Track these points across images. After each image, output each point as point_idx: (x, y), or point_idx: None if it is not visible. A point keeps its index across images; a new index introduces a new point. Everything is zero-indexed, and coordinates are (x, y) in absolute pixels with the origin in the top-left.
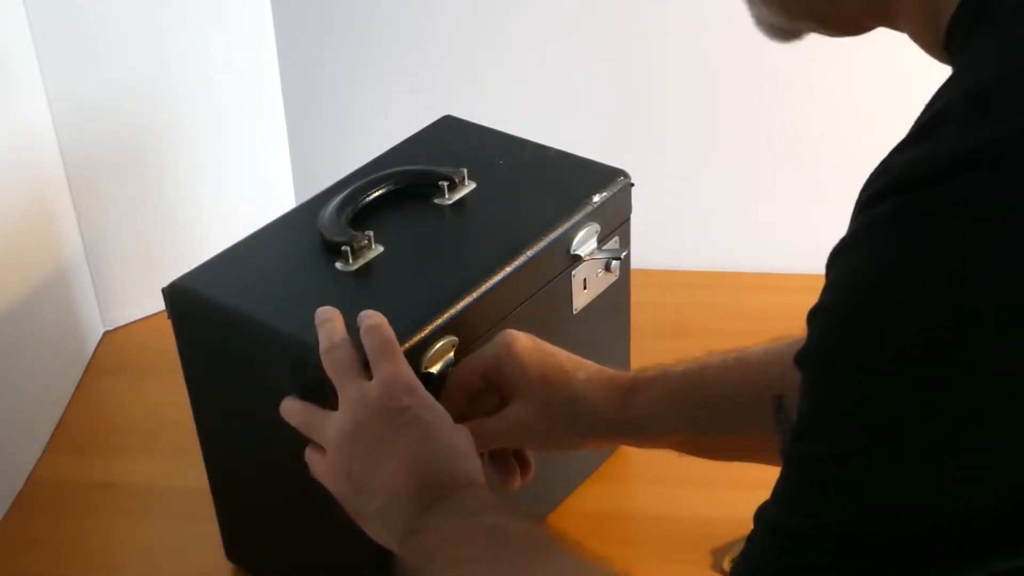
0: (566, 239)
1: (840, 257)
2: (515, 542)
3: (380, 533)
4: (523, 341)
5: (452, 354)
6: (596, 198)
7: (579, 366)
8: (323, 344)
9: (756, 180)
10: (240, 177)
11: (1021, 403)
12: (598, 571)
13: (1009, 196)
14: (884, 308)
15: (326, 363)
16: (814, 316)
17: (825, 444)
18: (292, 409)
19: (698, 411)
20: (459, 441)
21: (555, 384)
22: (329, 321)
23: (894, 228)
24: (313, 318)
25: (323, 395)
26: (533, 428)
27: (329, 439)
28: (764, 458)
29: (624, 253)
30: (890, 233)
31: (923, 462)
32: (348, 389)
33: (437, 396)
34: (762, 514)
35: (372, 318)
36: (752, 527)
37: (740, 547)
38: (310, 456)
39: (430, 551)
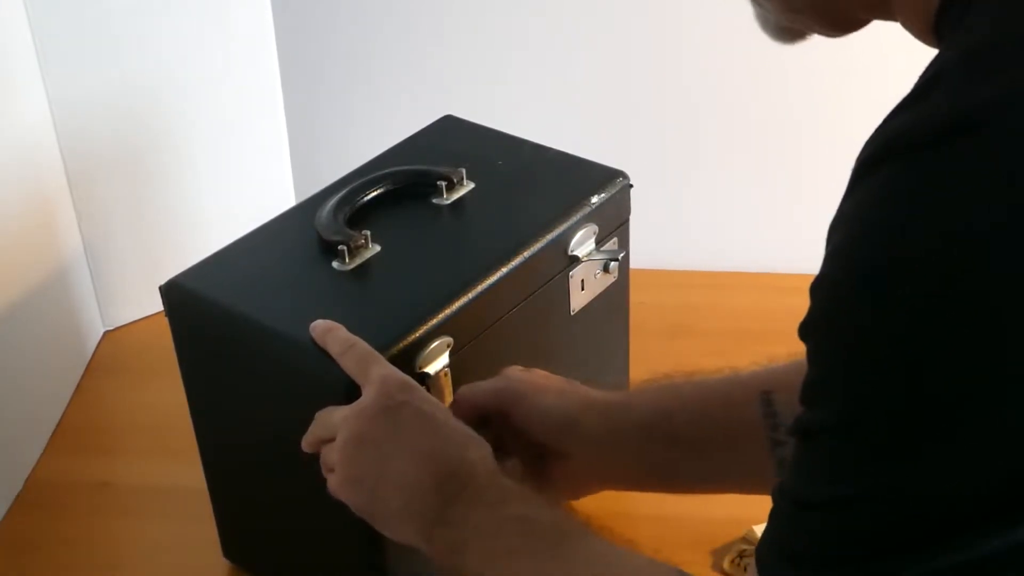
0: (564, 240)
1: (839, 227)
2: (545, 531)
3: (405, 532)
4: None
5: (447, 354)
6: (595, 199)
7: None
8: (336, 349)
9: (756, 180)
10: (240, 177)
11: None
12: (629, 556)
13: (1004, 157)
14: (884, 273)
15: (346, 364)
16: (816, 288)
17: (842, 406)
18: (306, 443)
19: (687, 399)
20: (462, 427)
21: (549, 375)
22: (332, 330)
23: (889, 197)
24: (310, 317)
25: (318, 393)
26: (523, 381)
27: (335, 456)
28: (748, 470)
29: (622, 254)
30: (885, 202)
31: (930, 427)
32: (336, 415)
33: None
34: (782, 490)
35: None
36: (772, 505)
37: (740, 547)
38: (327, 475)
39: (460, 544)
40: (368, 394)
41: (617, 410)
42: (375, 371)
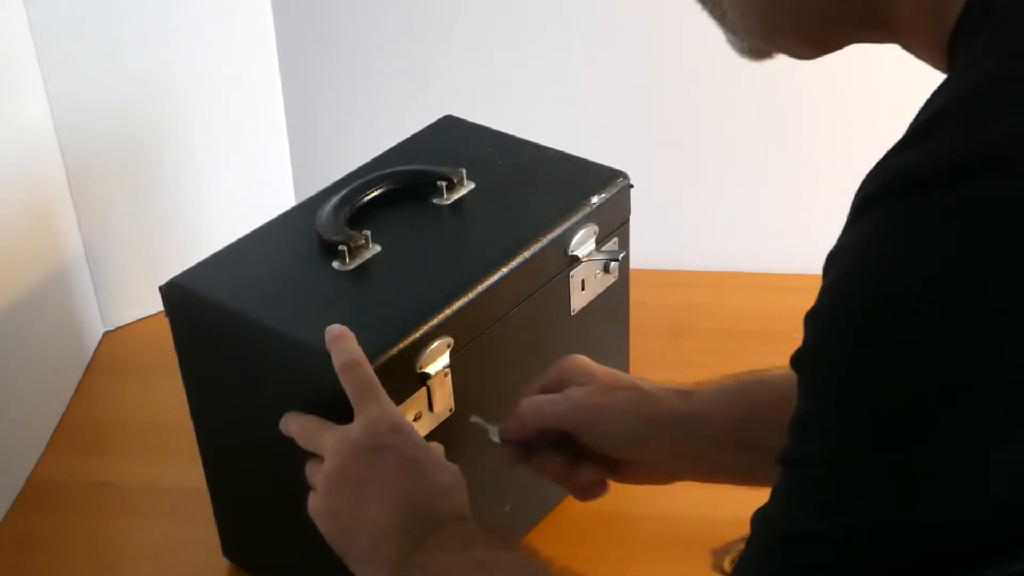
0: (564, 240)
1: (837, 260)
2: (505, 571)
3: (370, 573)
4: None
5: (447, 354)
6: (595, 199)
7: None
8: (338, 361)
9: (756, 180)
10: (240, 177)
11: None
12: None
13: (1009, 201)
14: (881, 314)
15: (344, 383)
16: (812, 319)
17: (834, 441)
18: (290, 432)
19: (759, 407)
20: (445, 477)
21: (619, 375)
22: (340, 340)
23: (891, 232)
24: (310, 317)
25: (319, 393)
26: (591, 407)
27: (319, 480)
28: None
29: (622, 254)
30: (887, 237)
31: (925, 463)
32: (327, 437)
33: (432, 397)
34: (763, 518)
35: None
36: (751, 532)
37: (740, 547)
38: (310, 495)
39: None
40: (358, 428)
41: (686, 425)
42: (372, 407)
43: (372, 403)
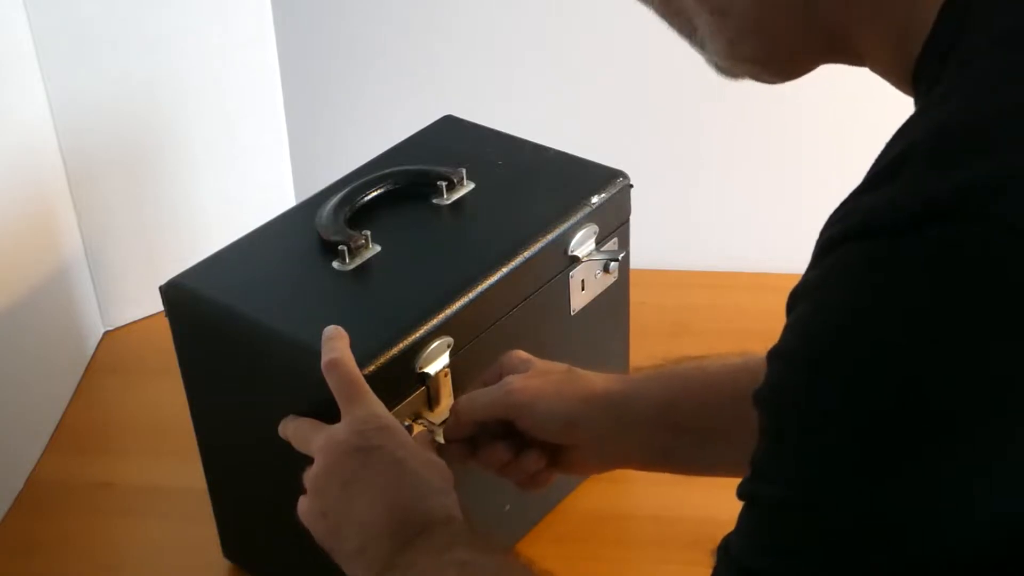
0: (564, 240)
1: (801, 300)
2: (485, 572)
3: (358, 574)
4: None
5: (447, 354)
6: (595, 199)
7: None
8: (324, 359)
9: (756, 180)
10: (240, 177)
11: (986, 454)
12: None
13: (973, 249)
14: (842, 359)
15: (329, 382)
16: (774, 358)
17: (786, 486)
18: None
19: (691, 390)
20: (433, 476)
21: (555, 364)
22: (329, 340)
23: (854, 276)
24: (310, 317)
25: (319, 393)
26: (525, 389)
27: (310, 483)
28: None
29: (622, 254)
30: (850, 281)
31: (885, 503)
32: (317, 439)
33: (432, 396)
34: (727, 550)
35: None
36: (717, 559)
37: None
38: (300, 497)
39: None
40: (344, 428)
41: (618, 404)
42: (356, 408)
43: (357, 403)
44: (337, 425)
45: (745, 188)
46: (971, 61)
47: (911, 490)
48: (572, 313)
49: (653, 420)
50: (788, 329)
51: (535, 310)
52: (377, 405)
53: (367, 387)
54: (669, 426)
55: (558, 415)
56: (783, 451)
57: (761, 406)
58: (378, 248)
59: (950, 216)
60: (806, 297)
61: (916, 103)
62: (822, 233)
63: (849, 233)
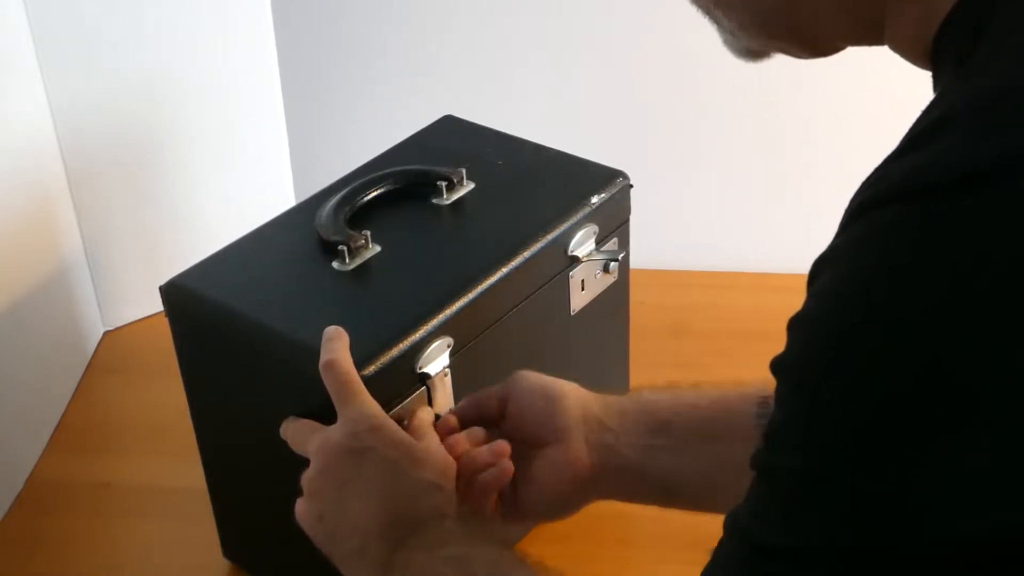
0: (564, 240)
1: (829, 266)
2: (480, 566)
3: (358, 574)
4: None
5: (447, 354)
6: (595, 199)
7: None
8: (321, 359)
9: (756, 180)
10: (240, 177)
11: (1013, 425)
12: None
13: (1017, 213)
14: (877, 327)
15: (326, 382)
16: (797, 325)
17: (804, 458)
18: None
19: (683, 405)
20: (427, 475)
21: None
22: (328, 341)
23: (889, 239)
24: (310, 317)
25: (318, 393)
26: (516, 375)
27: (306, 485)
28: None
29: (622, 254)
30: (885, 244)
31: (905, 483)
32: (313, 440)
33: (432, 396)
34: (734, 523)
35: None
36: (723, 533)
37: None
38: (297, 499)
39: None
40: (338, 429)
41: (596, 395)
42: (350, 409)
43: (350, 404)
44: (332, 427)
45: (745, 188)
46: (1014, 31)
47: (932, 470)
48: (572, 313)
49: (650, 487)
50: (812, 297)
51: (535, 310)
52: (370, 405)
53: (362, 388)
54: (664, 491)
55: (541, 384)
56: (795, 424)
57: (778, 375)
58: (378, 248)
59: (992, 180)
60: (835, 262)
61: (936, 78)
62: (853, 200)
63: (885, 196)
